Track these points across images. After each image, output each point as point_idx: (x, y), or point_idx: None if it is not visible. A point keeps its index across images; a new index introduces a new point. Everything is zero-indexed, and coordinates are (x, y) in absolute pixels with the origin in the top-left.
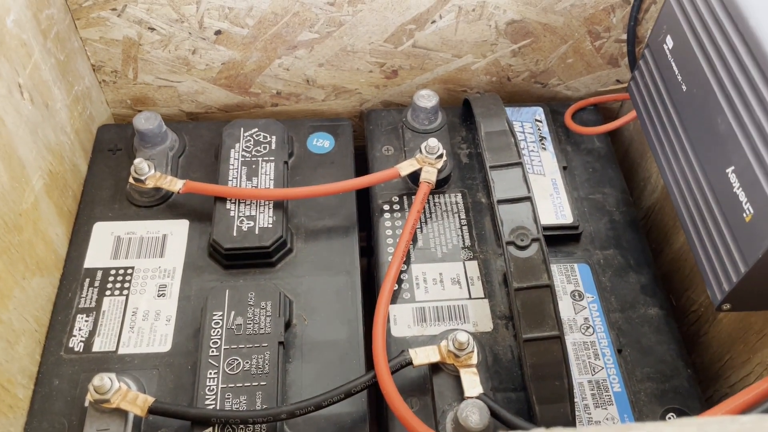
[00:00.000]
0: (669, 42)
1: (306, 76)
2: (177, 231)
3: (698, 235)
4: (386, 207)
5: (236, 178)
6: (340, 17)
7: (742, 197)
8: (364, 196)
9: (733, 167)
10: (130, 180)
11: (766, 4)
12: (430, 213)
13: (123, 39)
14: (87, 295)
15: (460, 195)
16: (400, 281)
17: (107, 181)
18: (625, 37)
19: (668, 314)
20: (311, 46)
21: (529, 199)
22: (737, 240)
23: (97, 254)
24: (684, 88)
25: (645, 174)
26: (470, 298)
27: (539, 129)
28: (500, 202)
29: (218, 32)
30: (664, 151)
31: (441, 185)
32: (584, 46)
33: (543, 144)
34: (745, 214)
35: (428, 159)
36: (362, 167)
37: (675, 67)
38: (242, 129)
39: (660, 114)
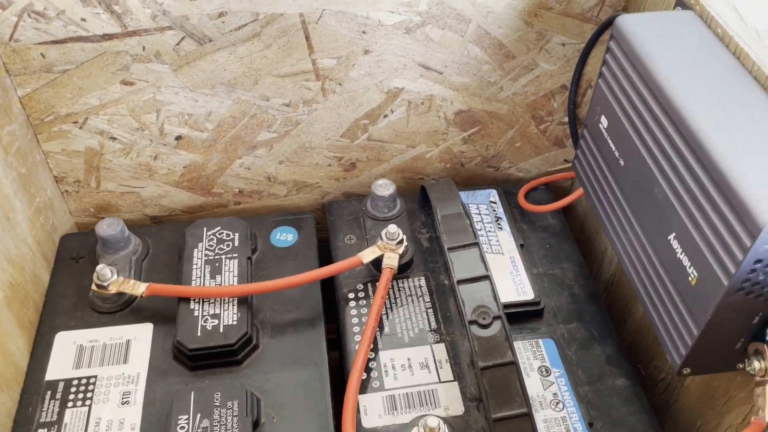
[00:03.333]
0: (604, 122)
1: (267, 173)
2: (141, 335)
3: (652, 302)
4: (351, 296)
5: (200, 277)
6: (297, 117)
7: (686, 262)
8: (330, 287)
9: (674, 234)
10: (93, 287)
11: (685, 81)
12: (395, 298)
13: (85, 150)
14: (48, 409)
15: (423, 278)
16: (368, 369)
17: (70, 290)
18: (567, 119)
19: (636, 384)
20: (270, 145)
21: (487, 277)
22: (687, 303)
23: (59, 365)
24: (622, 163)
25: (601, 247)
26: (440, 381)
27: (494, 210)
28: (460, 282)
29: (179, 137)
30: (612, 224)
31: (404, 270)
32: (530, 130)
33: (499, 224)
34: (690, 278)
35: (389, 245)
36: (326, 258)
37: (612, 145)
38: (205, 228)
39: (604, 189)
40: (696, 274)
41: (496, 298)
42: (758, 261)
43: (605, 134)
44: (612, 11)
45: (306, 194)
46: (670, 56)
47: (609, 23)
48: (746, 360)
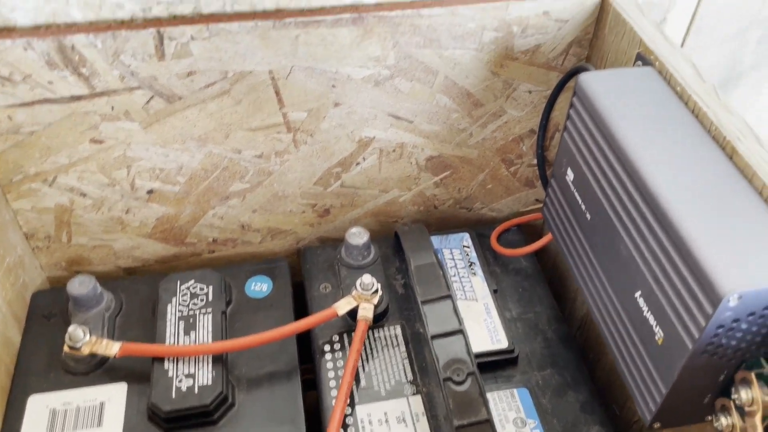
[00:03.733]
0: (570, 174)
1: (241, 222)
2: (115, 396)
3: (622, 356)
4: (327, 347)
5: (174, 334)
6: (269, 167)
7: (652, 321)
8: (305, 333)
9: (640, 291)
10: (65, 348)
11: (644, 140)
12: (371, 349)
13: (55, 206)
14: None
15: (399, 327)
16: (345, 426)
17: (42, 350)
18: (536, 161)
19: (609, 430)
20: (243, 195)
21: (461, 332)
22: (654, 361)
23: (32, 431)
24: (588, 216)
25: (574, 286)
26: None
27: (467, 255)
28: (434, 337)
29: (150, 191)
30: (581, 274)
31: (380, 319)
32: (500, 172)
33: (473, 269)
34: (657, 337)
35: (364, 295)
36: (301, 305)
37: (578, 198)
38: (178, 282)
39: (572, 239)
40: (662, 334)
41: (469, 353)
42: (720, 326)
43: (572, 187)
44: (576, 60)
45: (281, 240)
46: (630, 114)
47: (574, 72)
48: (713, 416)
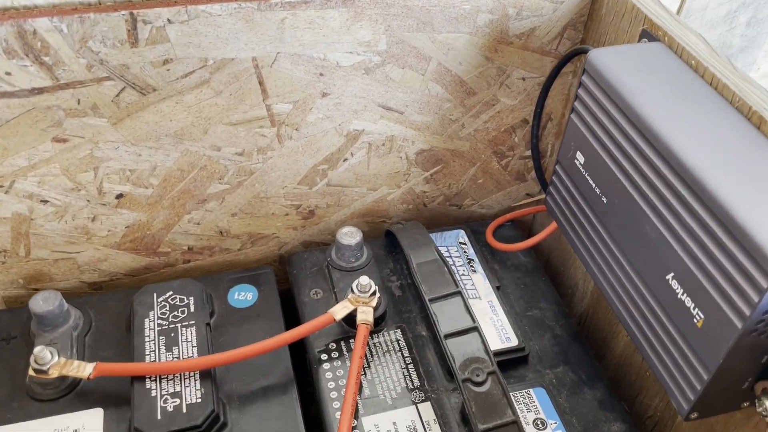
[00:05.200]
0: (580, 157)
1: (219, 227)
2: (90, 424)
3: (652, 347)
4: (324, 356)
5: (154, 351)
6: (251, 166)
7: (689, 303)
8: (298, 342)
9: (672, 273)
10: (30, 372)
11: (669, 115)
12: (372, 356)
13: (12, 216)
14: None
15: (399, 331)
16: None
17: (3, 377)
18: (528, 153)
19: (631, 427)
20: (222, 198)
21: (476, 329)
22: (693, 348)
23: None
24: (604, 200)
25: (571, 281)
26: None
27: (465, 252)
28: (447, 336)
29: (120, 196)
30: (597, 265)
31: (378, 323)
32: (492, 166)
33: (472, 266)
34: (695, 320)
35: (362, 298)
36: (290, 314)
37: (591, 181)
38: (155, 294)
39: (585, 228)
40: (702, 316)
41: (487, 350)
42: None
43: (582, 171)
44: (570, 44)
45: (262, 246)
46: (649, 90)
47: (571, 56)
48: (756, 400)
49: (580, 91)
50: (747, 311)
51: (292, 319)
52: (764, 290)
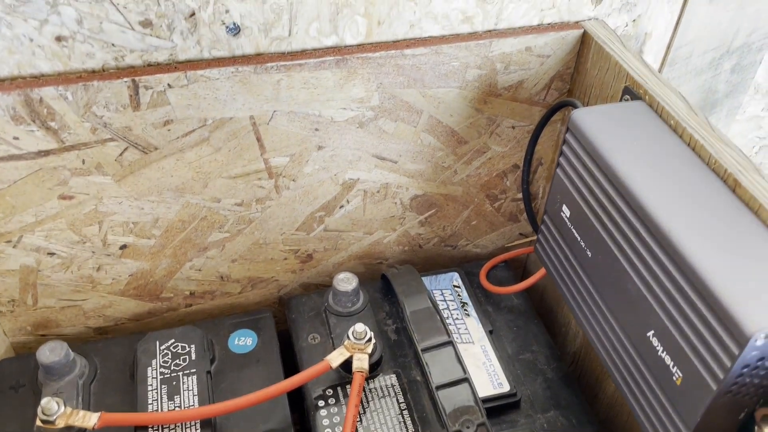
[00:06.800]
0: (566, 210)
1: (219, 273)
2: None
3: (636, 399)
4: (321, 402)
5: (156, 400)
6: (249, 215)
7: (668, 361)
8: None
9: (652, 330)
10: (38, 422)
11: (646, 177)
12: (367, 402)
13: (20, 268)
14: None
15: (394, 376)
16: None
17: (12, 425)
18: (520, 195)
19: None
20: (222, 245)
21: (466, 380)
22: (673, 404)
23: None
24: (589, 253)
25: (563, 320)
26: None
27: (459, 295)
28: (438, 387)
29: (123, 246)
30: (583, 314)
31: (374, 369)
32: (485, 208)
33: (466, 310)
34: (674, 378)
35: (357, 345)
36: (288, 356)
37: (576, 235)
38: (158, 342)
39: (572, 277)
40: (681, 374)
41: (477, 401)
42: (746, 366)
43: (568, 223)
44: (558, 94)
45: (261, 289)
46: (628, 150)
47: (558, 107)
48: None
49: (565, 148)
50: (721, 375)
51: (291, 362)
52: (736, 356)
